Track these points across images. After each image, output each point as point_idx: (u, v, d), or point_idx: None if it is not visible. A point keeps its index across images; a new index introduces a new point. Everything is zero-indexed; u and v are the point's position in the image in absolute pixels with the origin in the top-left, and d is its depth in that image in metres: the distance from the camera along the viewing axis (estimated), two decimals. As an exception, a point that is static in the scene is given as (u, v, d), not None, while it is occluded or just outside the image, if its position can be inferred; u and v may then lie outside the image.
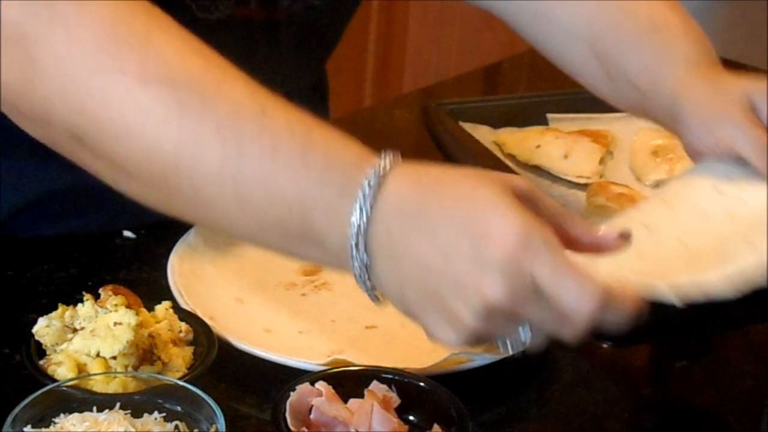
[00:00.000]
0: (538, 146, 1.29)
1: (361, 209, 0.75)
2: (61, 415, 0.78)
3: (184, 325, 0.91)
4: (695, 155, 0.97)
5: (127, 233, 1.10)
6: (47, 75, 0.79)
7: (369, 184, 0.75)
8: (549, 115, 1.38)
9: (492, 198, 0.75)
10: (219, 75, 0.80)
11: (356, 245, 0.76)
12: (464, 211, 0.75)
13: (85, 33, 0.78)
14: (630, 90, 1.02)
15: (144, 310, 0.90)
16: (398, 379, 0.86)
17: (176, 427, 0.79)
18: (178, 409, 0.80)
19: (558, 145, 1.28)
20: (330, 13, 1.12)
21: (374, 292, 0.78)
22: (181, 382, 0.81)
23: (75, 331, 0.88)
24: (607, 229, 0.80)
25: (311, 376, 0.85)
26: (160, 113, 0.77)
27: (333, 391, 0.83)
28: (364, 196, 0.75)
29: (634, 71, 1.01)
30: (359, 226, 0.75)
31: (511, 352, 0.78)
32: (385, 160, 0.77)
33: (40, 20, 0.79)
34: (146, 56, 0.78)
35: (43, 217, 1.09)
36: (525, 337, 0.76)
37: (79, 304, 0.89)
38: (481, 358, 0.92)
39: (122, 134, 0.78)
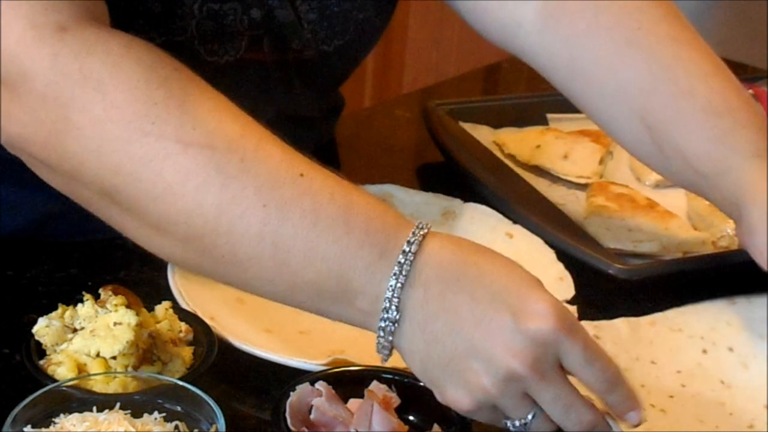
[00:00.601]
0: (538, 146, 1.29)
1: (400, 269, 0.78)
2: (61, 415, 0.78)
3: (184, 325, 0.91)
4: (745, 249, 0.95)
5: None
6: (82, 134, 0.80)
7: (410, 246, 0.78)
8: (549, 115, 1.37)
9: (528, 278, 0.79)
10: (255, 139, 0.81)
11: (389, 304, 0.78)
12: (503, 283, 0.78)
13: (121, 96, 0.79)
14: (686, 170, 0.98)
15: (144, 310, 0.90)
16: (398, 379, 0.86)
17: (176, 427, 0.79)
18: (178, 409, 0.80)
19: (558, 145, 1.28)
20: (343, 57, 1.12)
21: (390, 349, 0.80)
22: (181, 382, 0.81)
23: (75, 331, 0.88)
24: None
25: (311, 376, 0.85)
26: (200, 176, 0.79)
27: (333, 391, 0.83)
28: (405, 257, 0.78)
29: (693, 154, 0.97)
30: (396, 286, 0.78)
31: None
32: (423, 227, 0.80)
33: (72, 81, 0.79)
34: (184, 120, 0.79)
35: (40, 236, 1.09)
36: (531, 422, 0.79)
37: (79, 304, 0.89)
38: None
39: (160, 195, 0.79)
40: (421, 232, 0.79)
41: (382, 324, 0.79)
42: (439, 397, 0.80)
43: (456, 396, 0.78)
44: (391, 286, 0.78)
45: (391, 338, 0.79)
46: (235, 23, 1.02)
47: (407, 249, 0.78)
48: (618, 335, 0.98)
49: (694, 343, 0.97)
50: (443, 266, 0.78)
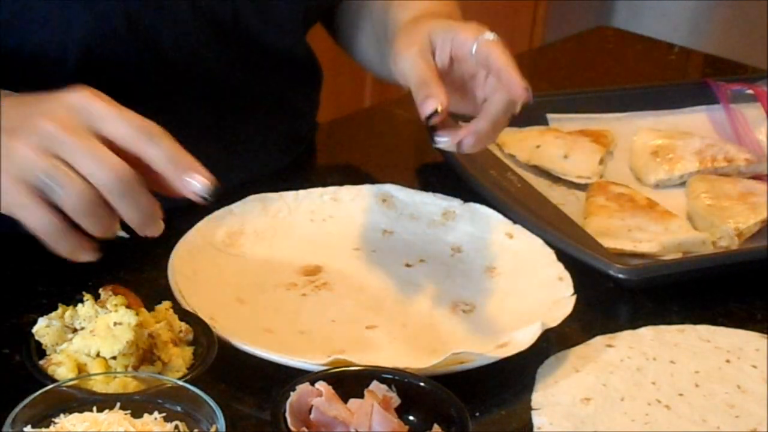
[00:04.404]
0: (538, 146, 1.29)
1: None
2: (61, 415, 0.78)
3: (184, 325, 0.91)
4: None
5: (121, 233, 1.10)
6: None
7: None
8: (549, 115, 1.37)
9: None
10: None
11: None
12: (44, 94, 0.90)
13: None
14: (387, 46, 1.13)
15: (144, 310, 0.89)
16: (398, 379, 0.86)
17: (176, 427, 0.79)
18: (178, 409, 0.80)
19: (558, 145, 1.28)
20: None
21: None
22: (181, 382, 0.81)
23: (75, 331, 0.88)
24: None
25: (311, 376, 0.85)
26: None
27: (333, 391, 0.83)
28: None
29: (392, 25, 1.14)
30: None
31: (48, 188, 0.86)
32: None
33: None
34: None
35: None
36: (60, 183, 0.85)
37: (79, 304, 0.89)
38: (481, 358, 0.92)
39: None
40: None
41: None
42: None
43: (6, 185, 0.85)
44: None
45: None
46: None
47: None
48: (638, 340, 0.99)
49: (719, 354, 0.98)
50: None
